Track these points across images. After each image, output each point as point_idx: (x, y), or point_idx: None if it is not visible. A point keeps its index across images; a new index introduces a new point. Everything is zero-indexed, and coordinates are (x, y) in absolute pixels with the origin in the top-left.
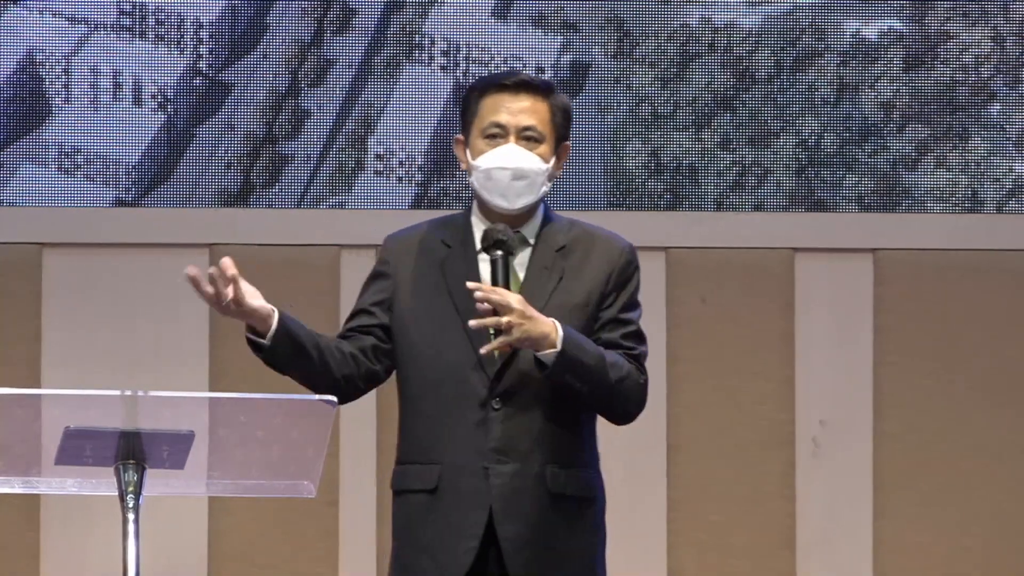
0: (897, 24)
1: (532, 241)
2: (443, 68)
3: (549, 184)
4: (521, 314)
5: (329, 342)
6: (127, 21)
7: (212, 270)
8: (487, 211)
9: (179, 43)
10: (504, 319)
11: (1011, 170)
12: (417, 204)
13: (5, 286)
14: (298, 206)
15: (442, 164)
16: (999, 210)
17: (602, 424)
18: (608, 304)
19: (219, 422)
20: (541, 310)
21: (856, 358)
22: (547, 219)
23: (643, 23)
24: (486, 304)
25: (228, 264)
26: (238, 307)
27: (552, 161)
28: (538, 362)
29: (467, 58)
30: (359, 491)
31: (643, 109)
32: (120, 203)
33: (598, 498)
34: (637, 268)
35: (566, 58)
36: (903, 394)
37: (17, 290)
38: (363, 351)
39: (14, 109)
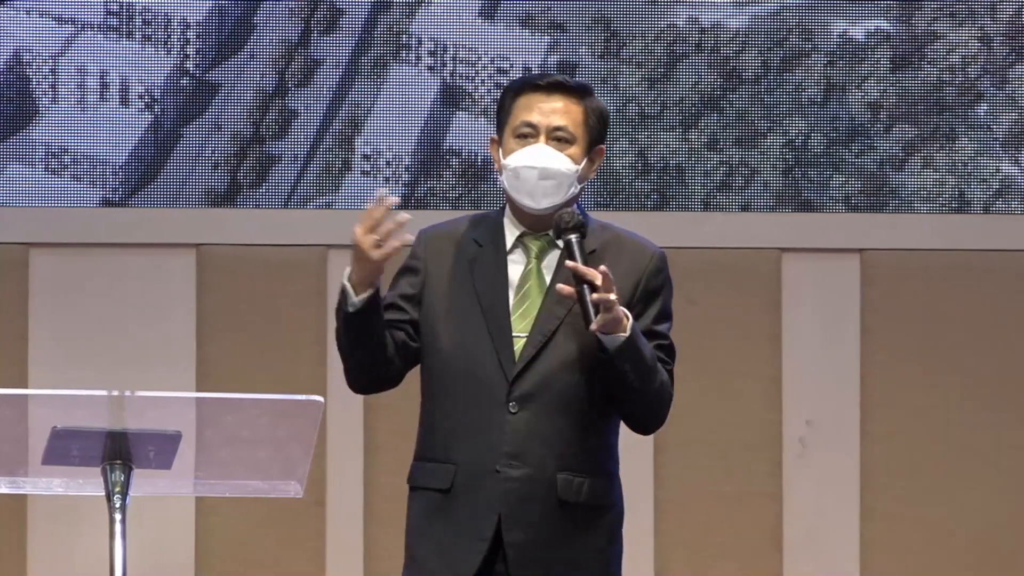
0: (884, 24)
1: (561, 244)
2: (430, 68)
3: (579, 186)
4: (609, 289)
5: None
6: (114, 21)
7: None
8: (517, 211)
9: (166, 43)
10: (601, 293)
11: (998, 170)
12: (404, 204)
13: None
14: (285, 206)
15: (429, 164)
16: (986, 210)
17: None
18: (637, 315)
19: (206, 422)
20: (567, 315)
21: (843, 358)
22: None
23: (630, 23)
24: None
25: (391, 200)
26: (382, 251)
27: (583, 163)
28: (600, 346)
29: (454, 58)
30: (346, 491)
31: (630, 109)
32: (107, 203)
33: (615, 506)
34: (668, 277)
35: (553, 58)
36: (890, 394)
37: (4, 290)
38: (396, 346)
39: (1, 109)
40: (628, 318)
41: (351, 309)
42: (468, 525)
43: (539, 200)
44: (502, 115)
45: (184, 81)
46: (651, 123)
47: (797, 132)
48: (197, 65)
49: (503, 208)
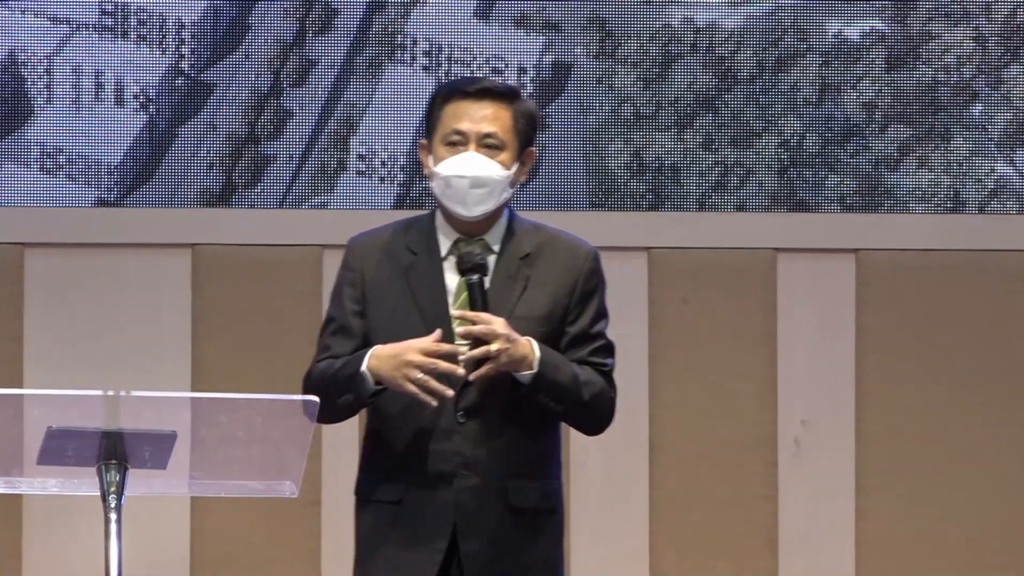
0: (879, 24)
1: (496, 248)
2: (425, 68)
3: (511, 191)
4: (506, 339)
5: None
6: (109, 21)
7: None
8: (449, 217)
9: (161, 43)
10: (493, 347)
11: (993, 170)
12: (399, 204)
13: None
14: (280, 206)
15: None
16: (981, 210)
17: None
18: (574, 318)
19: (201, 422)
20: (505, 320)
21: (838, 358)
22: (511, 225)
23: (625, 23)
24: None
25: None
26: (413, 387)
27: (514, 168)
28: (514, 381)
29: (449, 58)
30: (341, 491)
31: (625, 109)
32: (102, 203)
33: (559, 508)
34: (602, 276)
35: (548, 58)
36: (885, 394)
37: None
38: None
39: None
40: (534, 351)
41: (365, 397)
42: (422, 536)
43: (471, 208)
44: (431, 121)
45: (179, 81)
46: (646, 123)
47: (792, 132)
48: (192, 65)
49: (434, 212)
